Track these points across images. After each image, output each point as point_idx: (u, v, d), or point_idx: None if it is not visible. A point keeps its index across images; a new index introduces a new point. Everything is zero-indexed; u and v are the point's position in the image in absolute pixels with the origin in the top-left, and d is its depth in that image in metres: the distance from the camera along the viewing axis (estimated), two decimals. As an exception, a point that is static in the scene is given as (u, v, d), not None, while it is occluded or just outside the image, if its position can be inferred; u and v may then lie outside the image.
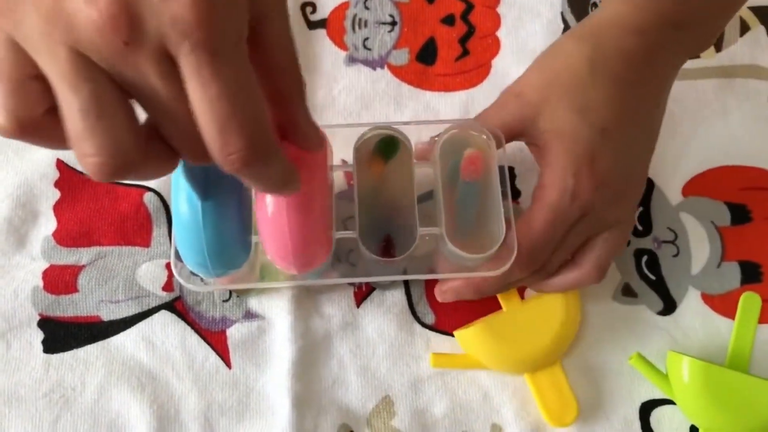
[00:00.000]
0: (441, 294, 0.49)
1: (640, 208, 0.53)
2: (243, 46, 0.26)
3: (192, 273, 0.42)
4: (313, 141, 0.33)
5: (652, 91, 0.45)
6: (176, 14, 0.24)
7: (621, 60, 0.44)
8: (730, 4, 0.46)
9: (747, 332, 0.49)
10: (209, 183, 0.37)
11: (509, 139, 0.46)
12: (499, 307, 0.49)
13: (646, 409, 0.49)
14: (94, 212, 0.52)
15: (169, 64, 0.25)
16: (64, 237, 0.51)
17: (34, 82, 0.26)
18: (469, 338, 0.47)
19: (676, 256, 0.52)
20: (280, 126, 0.32)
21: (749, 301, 0.50)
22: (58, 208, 0.52)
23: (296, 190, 0.31)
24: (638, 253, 0.52)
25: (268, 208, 0.37)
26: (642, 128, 0.45)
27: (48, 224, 0.51)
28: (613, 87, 0.43)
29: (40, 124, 0.27)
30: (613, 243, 0.46)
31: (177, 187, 0.37)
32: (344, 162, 0.49)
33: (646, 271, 0.51)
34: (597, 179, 0.43)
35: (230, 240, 0.38)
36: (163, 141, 0.28)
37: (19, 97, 0.26)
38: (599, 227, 0.46)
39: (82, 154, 0.26)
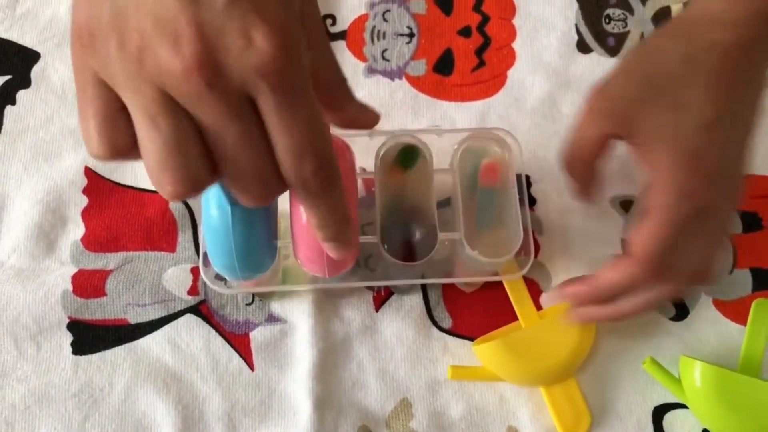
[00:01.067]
0: (547, 300, 0.51)
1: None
2: (309, 80, 0.30)
3: (217, 277, 0.43)
4: (370, 117, 0.38)
5: (750, 86, 0.43)
6: (257, 62, 0.27)
7: (717, 54, 0.41)
8: None
9: (759, 338, 0.50)
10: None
11: (601, 145, 0.44)
12: (515, 317, 0.50)
13: (659, 412, 0.49)
14: (121, 218, 0.53)
15: (245, 105, 0.28)
16: (92, 242, 0.53)
17: (121, 114, 0.29)
18: (486, 352, 0.48)
19: (688, 262, 0.53)
20: (341, 120, 0.37)
21: (761, 308, 0.51)
22: (86, 214, 0.53)
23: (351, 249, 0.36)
24: (651, 260, 0.53)
25: (303, 216, 0.39)
26: (741, 123, 0.43)
27: (76, 230, 0.53)
28: (711, 82, 0.41)
29: (131, 149, 0.29)
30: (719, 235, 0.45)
31: (207, 192, 0.39)
32: (363, 170, 0.50)
33: (659, 277, 0.53)
34: (708, 176, 0.42)
35: (258, 244, 0.40)
36: None
37: (111, 128, 0.29)
38: (718, 224, 0.44)
39: (159, 182, 0.29)
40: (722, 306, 0.52)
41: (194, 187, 0.29)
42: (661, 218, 0.41)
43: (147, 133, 0.28)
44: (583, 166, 0.45)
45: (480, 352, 0.49)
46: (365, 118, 0.38)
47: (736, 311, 0.52)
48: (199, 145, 0.29)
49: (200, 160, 0.29)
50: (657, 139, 0.42)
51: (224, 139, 0.29)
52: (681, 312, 0.52)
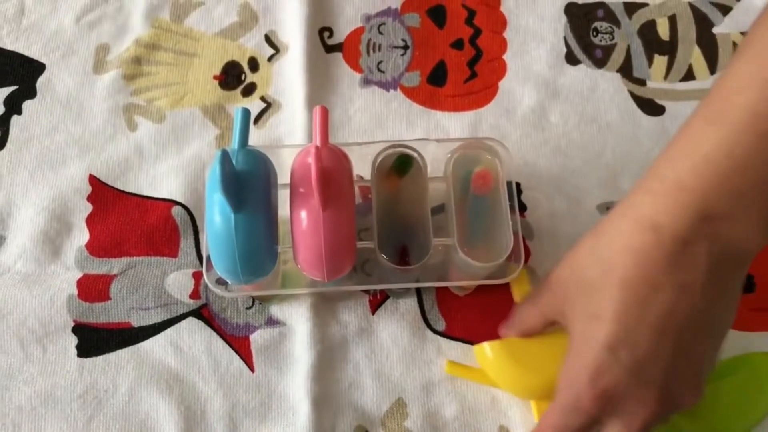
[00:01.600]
0: None
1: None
2: None
3: (218, 281, 0.45)
4: None
5: (690, 293, 0.38)
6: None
7: (632, 261, 0.38)
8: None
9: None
10: (241, 197, 0.40)
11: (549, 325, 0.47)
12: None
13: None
14: (124, 224, 0.55)
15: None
16: (96, 248, 0.54)
17: None
18: (485, 353, 0.48)
19: (673, 267, 0.55)
20: None
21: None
22: (90, 220, 0.55)
23: None
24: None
25: (304, 223, 0.40)
26: (645, 339, 0.39)
27: (81, 236, 0.55)
28: (622, 293, 0.39)
29: None
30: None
31: (211, 200, 0.41)
32: (360, 177, 0.52)
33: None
34: (604, 394, 0.40)
35: (259, 249, 0.42)
36: None
37: None
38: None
39: None
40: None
41: None
42: (555, 418, 0.42)
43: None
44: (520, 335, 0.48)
45: (479, 353, 0.49)
46: None
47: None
48: None
49: None
50: (572, 340, 0.42)
51: None
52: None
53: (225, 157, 0.39)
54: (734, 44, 0.61)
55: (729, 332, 0.41)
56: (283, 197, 0.45)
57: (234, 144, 0.42)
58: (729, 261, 0.38)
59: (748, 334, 0.53)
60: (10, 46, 0.60)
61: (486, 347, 0.48)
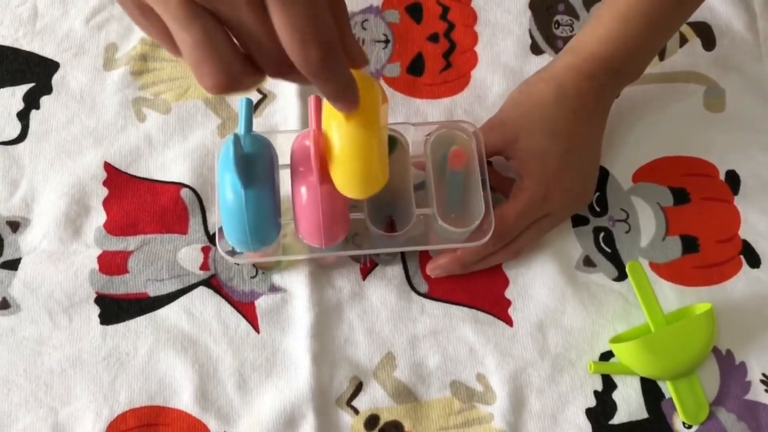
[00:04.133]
0: (432, 271, 0.59)
1: (597, 193, 0.62)
2: None
3: (226, 253, 0.51)
4: (360, 57, 0.39)
5: (599, 119, 0.59)
6: None
7: (578, 98, 0.57)
8: (659, 48, 0.61)
9: (648, 292, 0.57)
10: (250, 176, 0.46)
11: (492, 155, 0.58)
12: (488, 285, 0.59)
13: (605, 358, 0.58)
14: (138, 206, 0.61)
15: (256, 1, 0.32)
16: (113, 227, 0.60)
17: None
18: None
19: (627, 232, 0.62)
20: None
21: (634, 268, 0.58)
22: (107, 203, 0.61)
23: (356, 103, 0.38)
24: (596, 230, 0.62)
25: (304, 197, 0.47)
26: (592, 147, 0.59)
27: (99, 217, 0.60)
28: (573, 118, 0.57)
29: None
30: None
31: (223, 179, 0.47)
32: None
33: (603, 245, 0.61)
34: (563, 190, 0.57)
35: (266, 220, 0.48)
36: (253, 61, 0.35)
37: (166, 44, 0.35)
38: (556, 223, 0.60)
39: (200, 78, 0.33)
40: (657, 267, 0.61)
41: (231, 77, 0.33)
42: (518, 209, 0.56)
43: (179, 37, 0.33)
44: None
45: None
46: (356, 54, 0.38)
47: (668, 271, 0.61)
48: (228, 40, 0.33)
49: (232, 53, 0.33)
50: (532, 156, 0.57)
51: (241, 31, 0.33)
52: (621, 273, 0.61)
53: (237, 141, 0.45)
54: (680, 34, 0.68)
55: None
56: (282, 177, 0.51)
57: (240, 130, 0.48)
58: (615, 97, 0.62)
59: (691, 289, 0.60)
60: (26, 47, 0.65)
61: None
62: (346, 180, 0.45)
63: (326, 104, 0.46)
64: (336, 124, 0.44)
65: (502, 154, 0.59)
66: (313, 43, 0.33)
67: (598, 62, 0.57)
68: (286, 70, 0.35)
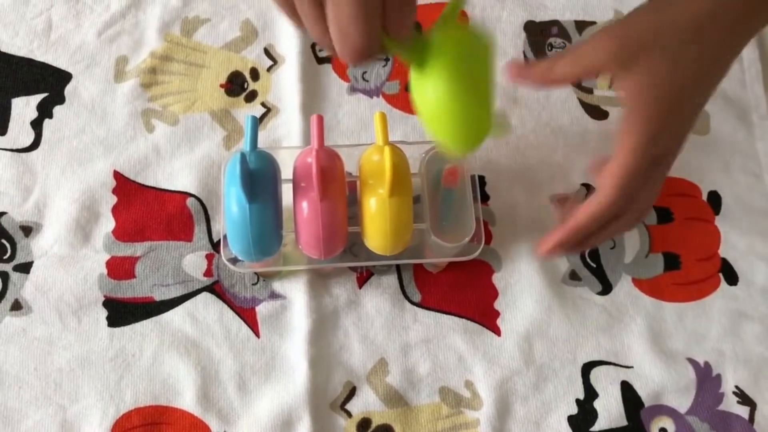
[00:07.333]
0: (548, 252, 0.51)
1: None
2: None
3: (230, 261, 0.54)
4: (400, 27, 0.37)
5: (734, 54, 0.47)
6: None
7: (715, 25, 0.45)
8: None
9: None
10: (254, 191, 0.49)
11: (594, 75, 0.51)
12: (475, 295, 0.62)
13: (587, 368, 0.61)
14: (145, 214, 0.63)
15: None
16: (121, 234, 0.63)
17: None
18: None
19: (613, 248, 0.65)
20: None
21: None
22: (115, 210, 0.63)
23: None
24: (583, 246, 0.65)
25: (305, 211, 0.50)
26: (711, 86, 0.47)
27: (107, 224, 0.63)
28: (705, 46, 0.45)
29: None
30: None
31: (229, 193, 0.50)
32: (349, 174, 0.61)
33: (588, 260, 0.64)
34: (677, 129, 0.47)
35: (269, 233, 0.51)
36: None
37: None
38: (667, 172, 0.50)
39: (347, 39, 0.36)
40: (639, 283, 0.64)
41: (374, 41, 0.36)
42: (631, 157, 0.46)
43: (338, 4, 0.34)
44: (573, 77, 0.49)
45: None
46: (395, 24, 0.37)
47: (651, 287, 0.64)
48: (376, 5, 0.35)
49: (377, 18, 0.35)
50: (648, 83, 0.45)
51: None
52: (606, 288, 0.64)
53: (243, 159, 0.48)
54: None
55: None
56: (284, 191, 0.54)
57: (246, 146, 0.51)
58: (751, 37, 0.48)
59: (672, 304, 0.63)
60: (40, 58, 0.68)
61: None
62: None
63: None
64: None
65: (607, 72, 0.48)
66: (347, 47, 0.36)
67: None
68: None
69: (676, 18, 0.45)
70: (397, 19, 0.37)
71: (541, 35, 0.72)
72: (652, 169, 0.47)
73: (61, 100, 0.67)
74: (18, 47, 0.68)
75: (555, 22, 0.72)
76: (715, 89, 0.47)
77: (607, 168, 0.47)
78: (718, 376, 0.61)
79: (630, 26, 0.46)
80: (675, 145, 0.48)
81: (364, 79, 0.69)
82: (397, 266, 0.63)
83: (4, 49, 0.68)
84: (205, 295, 0.61)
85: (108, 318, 0.60)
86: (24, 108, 0.66)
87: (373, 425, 0.59)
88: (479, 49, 0.41)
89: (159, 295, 0.61)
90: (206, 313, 0.61)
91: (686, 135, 0.48)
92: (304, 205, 0.50)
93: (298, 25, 0.38)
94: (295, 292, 0.61)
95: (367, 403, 0.59)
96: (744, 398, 0.60)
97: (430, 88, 0.40)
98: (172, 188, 0.64)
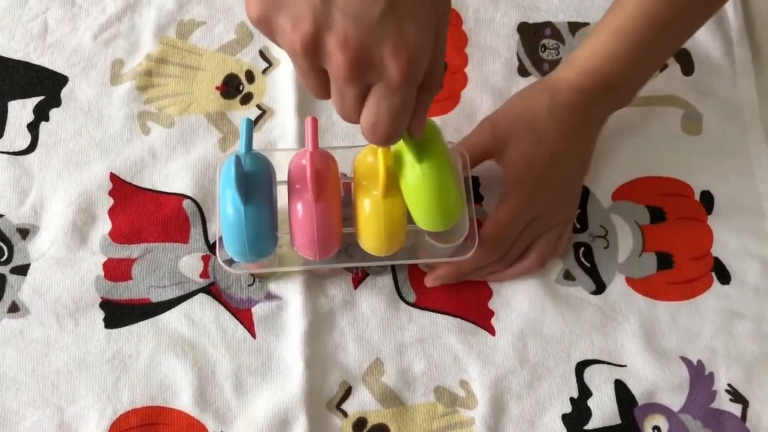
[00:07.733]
0: (431, 282, 0.62)
1: (579, 210, 0.66)
2: (416, 84, 0.39)
3: (226, 262, 0.54)
4: (417, 132, 0.45)
5: (587, 132, 0.61)
6: (390, 70, 0.37)
7: (568, 109, 0.59)
8: (649, 73, 0.62)
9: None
10: (249, 193, 0.49)
11: (483, 159, 0.61)
12: (466, 295, 0.62)
13: (581, 367, 0.62)
14: (142, 216, 0.64)
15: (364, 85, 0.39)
16: (118, 236, 0.63)
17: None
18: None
19: (606, 248, 0.65)
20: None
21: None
22: (112, 212, 0.64)
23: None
24: (576, 246, 0.65)
25: (300, 213, 0.50)
26: (579, 158, 0.62)
27: (104, 226, 0.63)
28: (562, 127, 0.59)
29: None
30: (553, 239, 0.61)
31: (224, 195, 0.50)
32: (344, 175, 0.61)
33: (582, 259, 0.65)
34: (547, 193, 0.59)
35: (264, 235, 0.51)
36: None
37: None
38: (545, 228, 0.61)
39: (380, 129, 0.41)
40: (632, 282, 0.64)
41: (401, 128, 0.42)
42: (506, 215, 0.58)
43: (384, 103, 0.39)
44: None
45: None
46: (417, 127, 0.44)
47: (644, 286, 0.64)
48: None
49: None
50: (520, 161, 0.59)
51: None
52: (599, 287, 0.64)
53: (238, 161, 0.48)
54: (661, 58, 0.72)
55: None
56: (279, 192, 0.55)
57: (241, 149, 0.51)
58: (605, 117, 0.63)
59: (665, 303, 0.64)
60: (36, 61, 0.68)
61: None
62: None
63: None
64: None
65: (491, 157, 0.61)
66: (376, 135, 0.41)
67: (590, 75, 0.59)
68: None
69: (538, 105, 0.59)
70: (419, 121, 0.43)
71: (534, 37, 0.72)
72: (528, 229, 0.60)
73: (57, 103, 0.67)
74: (14, 50, 0.69)
75: (548, 24, 0.73)
76: (588, 156, 0.62)
77: (489, 219, 0.59)
78: (711, 374, 0.62)
79: (504, 115, 0.61)
80: (552, 207, 0.60)
81: (358, 80, 0.69)
82: (393, 267, 0.63)
83: (0, 53, 0.68)
84: (202, 297, 0.62)
85: (105, 319, 0.61)
86: (20, 111, 0.67)
87: (369, 425, 0.59)
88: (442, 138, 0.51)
89: (155, 297, 0.61)
90: (203, 314, 0.61)
91: (566, 195, 0.62)
92: (299, 206, 0.51)
93: (324, 99, 0.42)
94: (291, 293, 0.62)
95: (362, 402, 0.59)
96: (736, 396, 0.61)
97: (430, 177, 0.49)
98: (168, 190, 0.65)
